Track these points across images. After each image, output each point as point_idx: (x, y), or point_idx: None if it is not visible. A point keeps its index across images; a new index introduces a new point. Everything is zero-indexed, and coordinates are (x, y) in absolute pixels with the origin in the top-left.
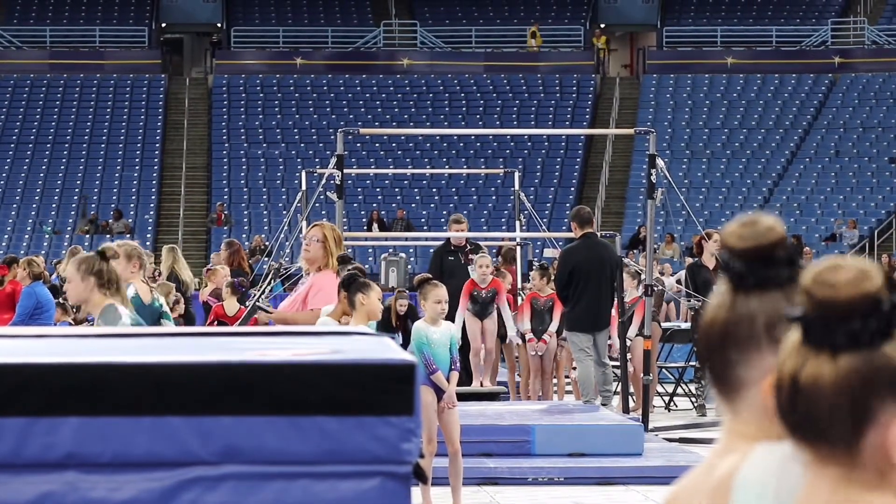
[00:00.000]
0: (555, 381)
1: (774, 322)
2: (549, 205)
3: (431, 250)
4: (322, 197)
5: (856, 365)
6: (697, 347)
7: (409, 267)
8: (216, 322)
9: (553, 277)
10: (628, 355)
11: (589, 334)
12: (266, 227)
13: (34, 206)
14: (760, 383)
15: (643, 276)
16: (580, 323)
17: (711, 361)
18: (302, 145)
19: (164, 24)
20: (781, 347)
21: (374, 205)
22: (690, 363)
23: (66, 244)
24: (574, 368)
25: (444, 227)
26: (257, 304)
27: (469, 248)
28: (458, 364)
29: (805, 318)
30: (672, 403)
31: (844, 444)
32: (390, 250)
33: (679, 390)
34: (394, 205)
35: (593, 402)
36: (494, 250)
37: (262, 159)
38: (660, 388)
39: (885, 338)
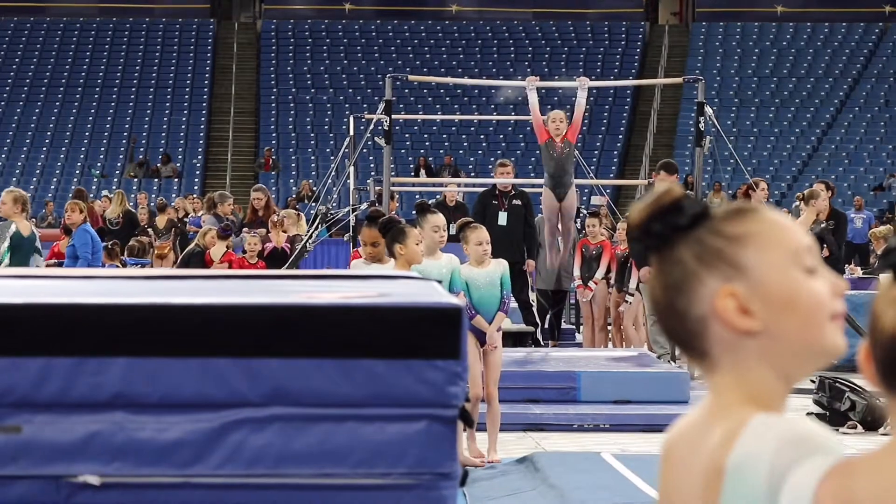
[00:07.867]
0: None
1: (701, 254)
2: (596, 152)
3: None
4: (369, 142)
5: None
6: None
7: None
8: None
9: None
10: None
11: None
12: (314, 173)
13: (83, 150)
14: (718, 311)
15: None
16: None
17: (668, 327)
18: (350, 90)
19: None
20: (875, 302)
21: (422, 150)
22: None
23: (113, 188)
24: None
25: (491, 174)
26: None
27: (514, 192)
28: (507, 305)
29: None
30: None
31: None
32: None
33: None
34: (441, 151)
35: (667, 359)
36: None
37: (310, 104)
38: None
39: None
